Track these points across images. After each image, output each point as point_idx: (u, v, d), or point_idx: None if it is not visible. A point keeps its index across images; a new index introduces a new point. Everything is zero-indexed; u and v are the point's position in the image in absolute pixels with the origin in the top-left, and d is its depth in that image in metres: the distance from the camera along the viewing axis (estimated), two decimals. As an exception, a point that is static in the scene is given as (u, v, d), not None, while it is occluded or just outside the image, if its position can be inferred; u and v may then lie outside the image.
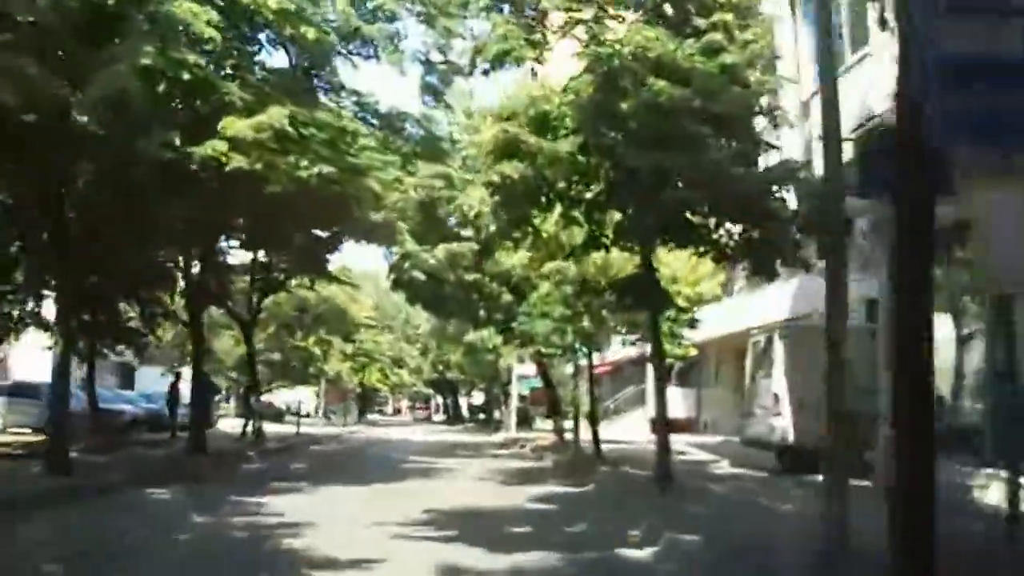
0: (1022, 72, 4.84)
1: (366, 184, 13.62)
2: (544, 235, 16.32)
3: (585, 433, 22.03)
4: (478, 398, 63.79)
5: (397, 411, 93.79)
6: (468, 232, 25.55)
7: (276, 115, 11.93)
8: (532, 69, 17.52)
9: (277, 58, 19.17)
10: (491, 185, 12.56)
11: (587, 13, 12.82)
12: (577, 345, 20.77)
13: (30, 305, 20.50)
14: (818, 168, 14.30)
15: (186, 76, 11.49)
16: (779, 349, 15.56)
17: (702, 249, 13.37)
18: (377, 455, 25.10)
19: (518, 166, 12.02)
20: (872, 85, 12.12)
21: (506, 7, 13.21)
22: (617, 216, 13.67)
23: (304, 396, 49.07)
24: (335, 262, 27.58)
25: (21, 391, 24.02)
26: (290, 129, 12.04)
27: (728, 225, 12.90)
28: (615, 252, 15.35)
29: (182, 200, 13.69)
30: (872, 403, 11.19)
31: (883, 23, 12.03)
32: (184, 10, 11.54)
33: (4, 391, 24.96)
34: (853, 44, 14.03)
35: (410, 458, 22.59)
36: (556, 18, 13.35)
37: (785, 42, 15.25)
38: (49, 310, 18.93)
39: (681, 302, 18.53)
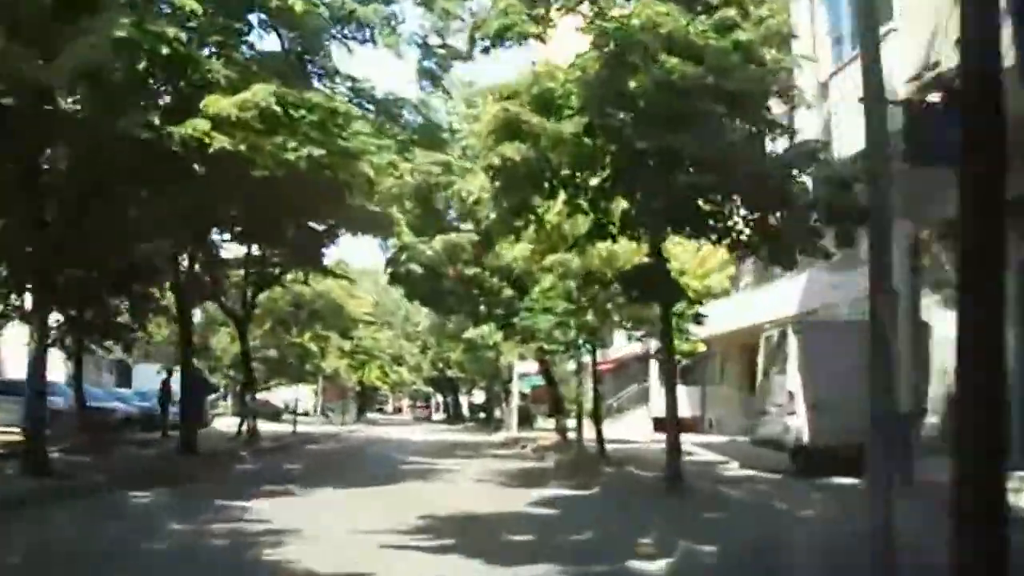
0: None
1: (359, 169, 12.89)
2: (547, 225, 15.62)
3: (588, 432, 21.44)
4: (479, 397, 63.25)
5: (398, 410, 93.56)
6: (468, 226, 24.98)
7: (261, 93, 11.19)
8: (533, 62, 16.91)
9: (270, 43, 18.67)
10: (491, 168, 11.83)
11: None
12: (580, 341, 20.08)
13: (14, 298, 19.90)
14: (838, 150, 13.64)
15: (165, 51, 10.77)
16: (793, 344, 14.85)
17: (714, 238, 12.65)
18: (374, 455, 24.49)
19: (520, 148, 11.32)
20: (899, 63, 11.39)
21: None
22: (624, 205, 12.99)
23: (302, 394, 48.46)
24: (332, 257, 27.12)
25: (7, 388, 23.33)
26: (277, 108, 11.30)
27: (744, 212, 12.17)
28: (620, 243, 14.70)
29: (165, 186, 12.99)
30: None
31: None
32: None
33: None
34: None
35: (408, 458, 21.99)
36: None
37: (801, 20, 14.51)
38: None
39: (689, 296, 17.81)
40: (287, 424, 35.74)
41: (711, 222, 12.31)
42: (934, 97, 8.62)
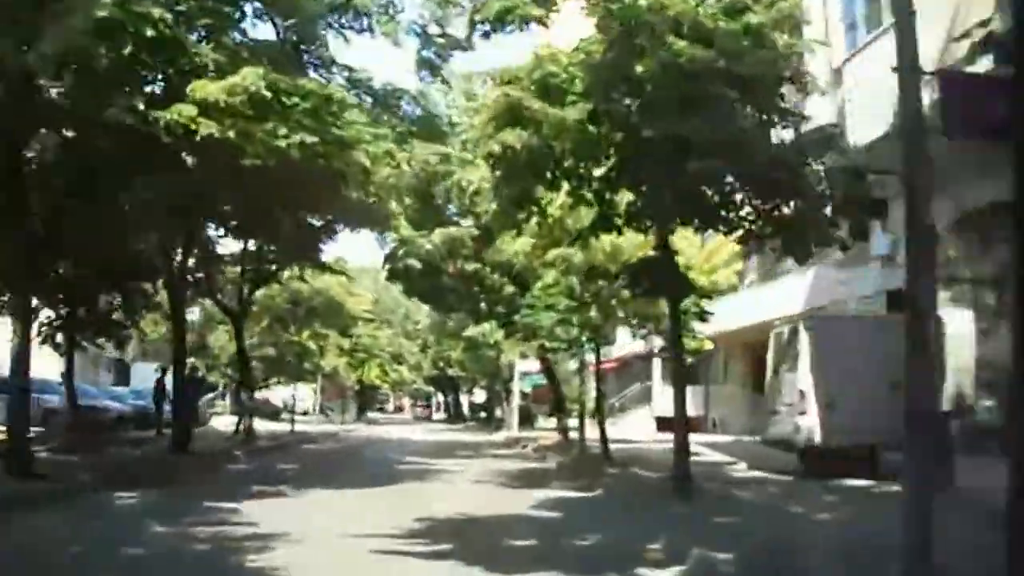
0: None
1: (354, 158, 12.39)
2: (549, 218, 15.10)
3: (590, 432, 20.96)
4: (479, 396, 62.77)
5: (399, 409, 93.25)
6: (468, 221, 24.50)
7: (250, 77, 10.69)
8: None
9: (264, 32, 18.25)
10: (491, 156, 11.30)
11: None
12: (583, 339, 19.59)
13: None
14: (851, 139, 13.16)
15: (150, 32, 10.26)
16: (805, 341, 14.33)
17: (725, 229, 12.14)
18: (373, 455, 24.00)
19: (521, 135, 10.80)
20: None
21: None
22: (629, 196, 12.49)
23: (301, 393, 48.00)
24: (331, 254, 26.61)
25: (-3, 386, 22.85)
26: (266, 93, 10.80)
27: (756, 202, 11.66)
28: (625, 237, 14.19)
29: (153, 175, 12.49)
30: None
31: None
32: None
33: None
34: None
35: (407, 458, 21.51)
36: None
37: (813, 5, 14.02)
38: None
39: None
40: (286, 423, 35.28)
41: (721, 212, 11.81)
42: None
